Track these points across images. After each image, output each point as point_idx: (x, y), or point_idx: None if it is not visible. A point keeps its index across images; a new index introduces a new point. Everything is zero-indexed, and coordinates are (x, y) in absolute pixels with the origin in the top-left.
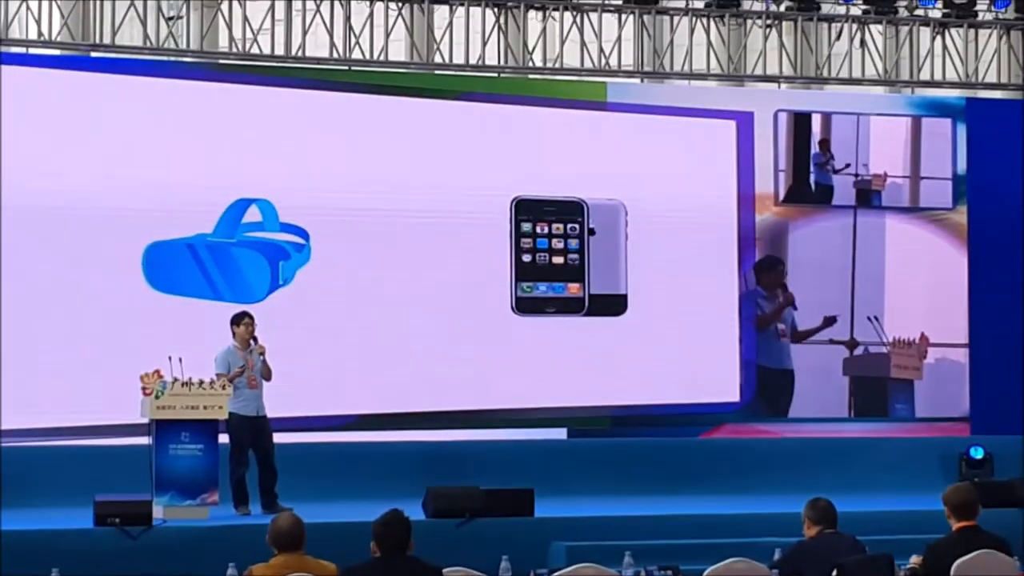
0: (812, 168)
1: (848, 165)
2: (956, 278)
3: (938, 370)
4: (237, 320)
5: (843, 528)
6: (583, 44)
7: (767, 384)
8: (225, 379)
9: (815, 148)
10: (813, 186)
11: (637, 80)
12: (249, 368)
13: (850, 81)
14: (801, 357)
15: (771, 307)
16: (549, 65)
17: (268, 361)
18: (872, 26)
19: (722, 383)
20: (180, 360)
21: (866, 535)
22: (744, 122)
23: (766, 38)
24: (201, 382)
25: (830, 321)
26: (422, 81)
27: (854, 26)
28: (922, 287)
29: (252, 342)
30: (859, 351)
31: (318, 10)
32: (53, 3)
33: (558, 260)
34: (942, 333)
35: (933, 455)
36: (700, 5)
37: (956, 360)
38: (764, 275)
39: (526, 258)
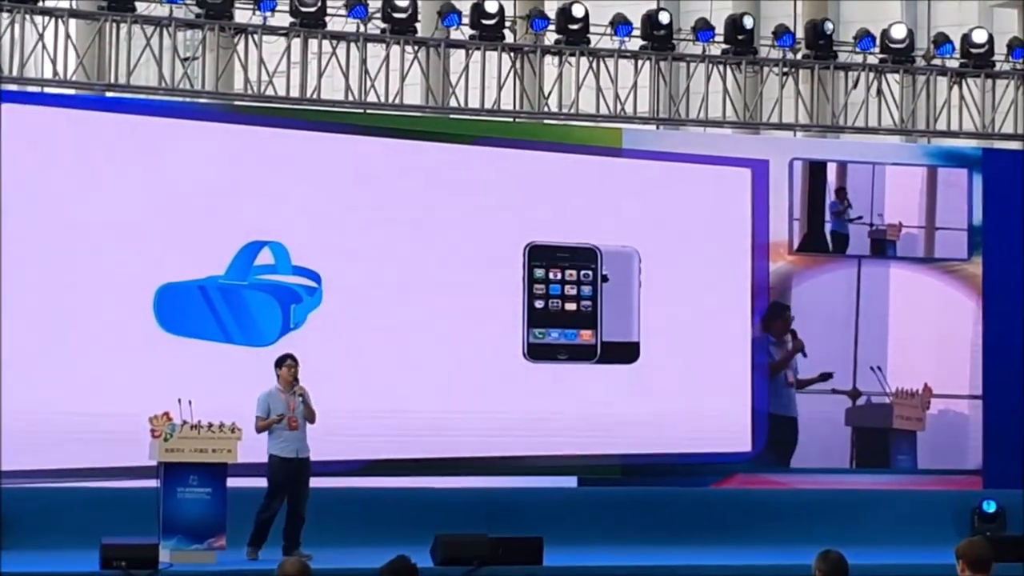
0: (829, 217)
1: (861, 216)
2: (963, 329)
3: (941, 421)
4: (280, 362)
5: None
6: (599, 90)
7: (776, 432)
8: (263, 423)
9: (832, 196)
10: (829, 235)
11: (653, 127)
12: (290, 410)
13: (866, 130)
14: (803, 406)
15: (781, 354)
16: (565, 110)
17: (311, 403)
18: (889, 75)
19: (734, 432)
20: (190, 403)
21: None
22: (759, 170)
23: (782, 86)
24: (210, 425)
25: (826, 376)
26: (437, 125)
27: (871, 75)
28: (927, 337)
29: (294, 383)
30: (862, 401)
31: (334, 53)
32: (69, 42)
33: (571, 307)
34: (946, 384)
35: (944, 508)
36: (717, 52)
37: (960, 412)
38: (772, 322)
39: (539, 304)
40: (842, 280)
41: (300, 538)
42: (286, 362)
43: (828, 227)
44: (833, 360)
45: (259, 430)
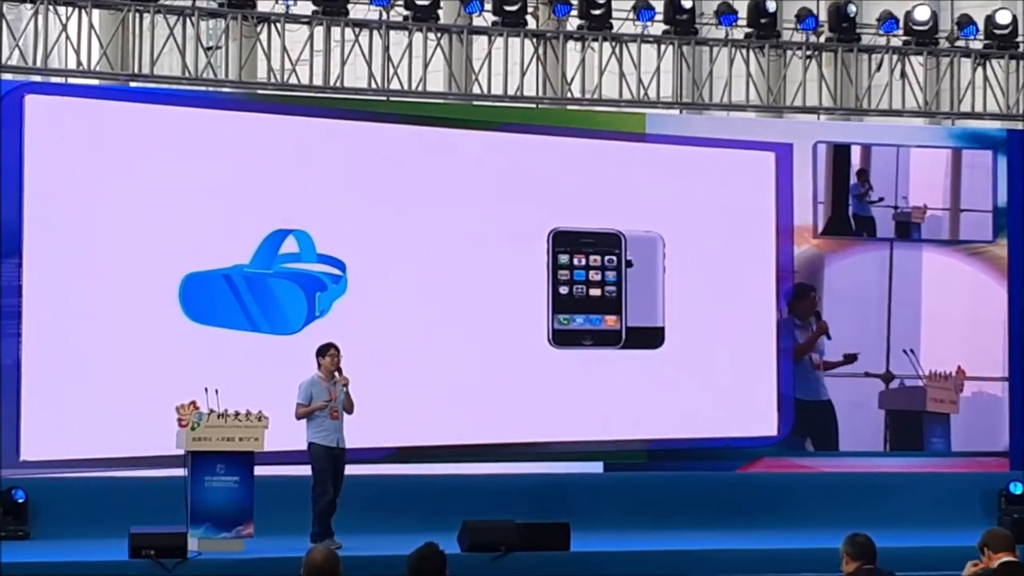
0: (851, 200)
1: (883, 198)
2: (994, 311)
3: (975, 404)
4: (323, 351)
5: (882, 564)
6: (622, 75)
7: (805, 417)
8: (304, 410)
9: (853, 179)
10: (852, 218)
11: (676, 111)
12: (331, 399)
13: (890, 112)
14: (836, 390)
15: (805, 336)
16: (588, 96)
17: (351, 394)
18: (913, 57)
19: (760, 417)
20: (216, 391)
21: (905, 571)
22: (783, 154)
23: (806, 69)
24: (237, 414)
25: (851, 358)
26: (460, 112)
27: (895, 57)
28: (959, 320)
29: (336, 373)
30: (895, 384)
31: (357, 40)
32: (92, 32)
33: (595, 292)
34: (979, 366)
35: (972, 490)
36: (740, 36)
37: (993, 394)
38: (796, 303)
39: (563, 290)
40: (873, 263)
41: (332, 526)
42: (329, 351)
43: (851, 210)
44: (866, 343)
45: (300, 417)
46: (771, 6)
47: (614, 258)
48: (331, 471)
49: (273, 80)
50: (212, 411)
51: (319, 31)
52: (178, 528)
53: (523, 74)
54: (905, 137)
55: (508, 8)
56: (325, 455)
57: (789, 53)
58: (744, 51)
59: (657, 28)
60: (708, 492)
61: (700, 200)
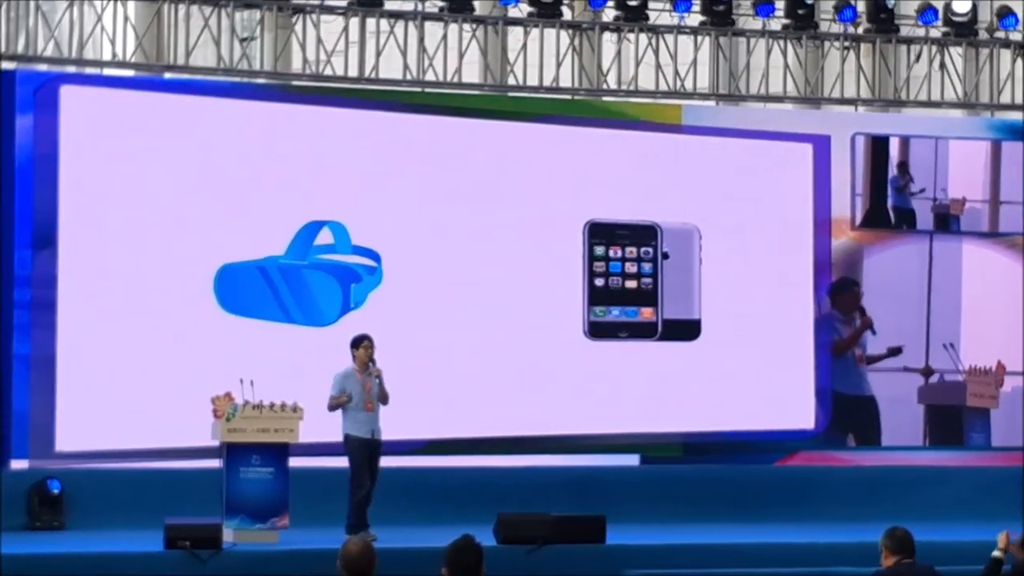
0: (891, 192)
1: (924, 189)
2: None
3: (1014, 399)
4: (357, 343)
5: (921, 558)
6: (658, 66)
7: (848, 412)
8: (334, 401)
9: (893, 171)
10: (892, 210)
11: (713, 103)
12: (366, 392)
13: (929, 104)
14: (875, 385)
15: (848, 332)
16: (624, 87)
17: (385, 385)
18: (952, 48)
19: (797, 410)
20: (251, 383)
21: (945, 565)
22: (821, 145)
23: (844, 60)
24: (272, 405)
25: (895, 351)
26: (496, 103)
27: (933, 48)
28: (999, 314)
29: (369, 364)
30: (934, 379)
31: (392, 31)
32: (128, 24)
33: (631, 284)
34: (1019, 361)
35: (1012, 485)
36: (777, 27)
37: None
38: (839, 297)
39: (599, 282)
40: (913, 256)
41: (367, 518)
42: (363, 343)
43: (890, 202)
44: (905, 338)
45: (331, 408)
46: None
47: (650, 250)
48: (367, 463)
49: (308, 71)
50: (247, 402)
51: (354, 22)
52: (213, 519)
53: (559, 65)
54: (944, 129)
55: None
56: (362, 446)
57: (827, 44)
58: (781, 42)
59: (694, 19)
60: (744, 485)
61: (737, 192)
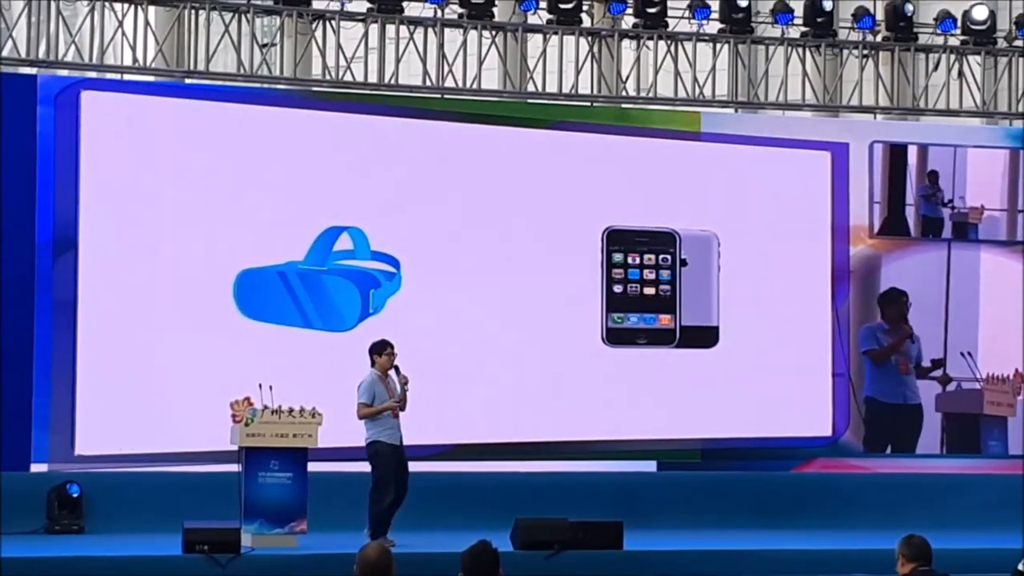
0: (920, 201)
1: (951, 200)
2: None
3: None
4: (379, 349)
5: (938, 566)
6: (677, 73)
7: (885, 420)
8: (369, 410)
9: (921, 180)
10: (920, 219)
11: (731, 110)
12: (399, 399)
13: (947, 112)
14: None
15: (891, 341)
16: (643, 94)
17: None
18: (970, 57)
19: (814, 417)
20: (271, 388)
21: (961, 573)
22: (839, 153)
23: (862, 68)
24: (291, 410)
25: (938, 364)
26: (515, 110)
27: (952, 57)
28: (1017, 322)
29: (394, 371)
30: (952, 387)
31: (411, 38)
32: (148, 29)
33: (649, 291)
34: None
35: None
36: (796, 35)
37: None
38: (887, 308)
39: (617, 289)
40: (931, 264)
41: (391, 523)
42: (386, 350)
43: (918, 211)
44: (923, 345)
45: (364, 416)
46: (827, 5)
47: (668, 257)
48: (395, 469)
49: (328, 77)
50: (266, 407)
51: (374, 28)
52: (232, 524)
53: (578, 72)
54: (962, 137)
55: (563, 6)
56: (391, 453)
57: (845, 52)
58: (800, 50)
59: (713, 27)
60: (761, 492)
61: (755, 199)
